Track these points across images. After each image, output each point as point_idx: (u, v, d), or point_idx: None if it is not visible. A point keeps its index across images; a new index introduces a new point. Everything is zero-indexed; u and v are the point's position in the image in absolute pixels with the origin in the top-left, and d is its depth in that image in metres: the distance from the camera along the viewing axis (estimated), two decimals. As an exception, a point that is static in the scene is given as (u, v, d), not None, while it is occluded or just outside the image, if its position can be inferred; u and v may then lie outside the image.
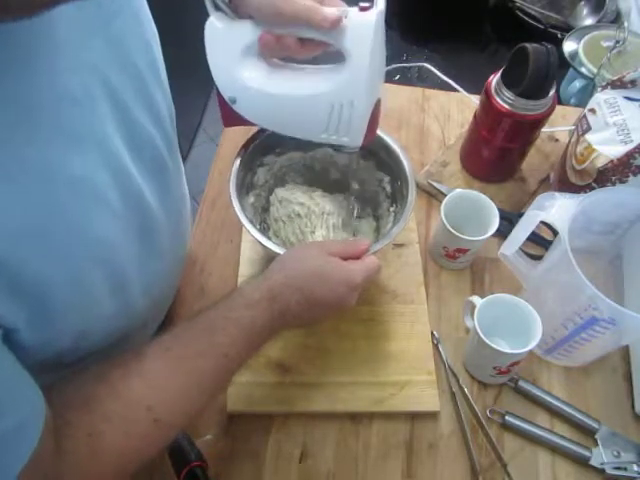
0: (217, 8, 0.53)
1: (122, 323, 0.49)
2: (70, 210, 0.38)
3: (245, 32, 0.54)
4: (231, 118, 0.60)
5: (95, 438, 0.41)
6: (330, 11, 0.50)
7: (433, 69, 1.02)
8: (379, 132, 0.70)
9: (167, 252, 0.55)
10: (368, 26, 0.51)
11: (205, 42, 0.54)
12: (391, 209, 0.74)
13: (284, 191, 0.74)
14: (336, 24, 0.50)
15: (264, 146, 0.70)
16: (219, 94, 0.58)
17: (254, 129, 0.69)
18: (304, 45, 0.54)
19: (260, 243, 0.62)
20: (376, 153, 0.73)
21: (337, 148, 0.62)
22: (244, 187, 0.67)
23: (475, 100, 0.94)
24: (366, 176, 0.76)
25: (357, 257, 0.57)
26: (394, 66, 1.09)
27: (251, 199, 0.70)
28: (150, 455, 0.45)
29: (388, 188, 0.74)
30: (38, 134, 0.36)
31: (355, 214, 0.78)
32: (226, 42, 0.55)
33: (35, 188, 0.35)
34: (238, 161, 0.67)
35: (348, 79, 0.54)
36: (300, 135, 0.62)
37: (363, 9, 0.51)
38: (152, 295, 0.54)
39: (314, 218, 0.73)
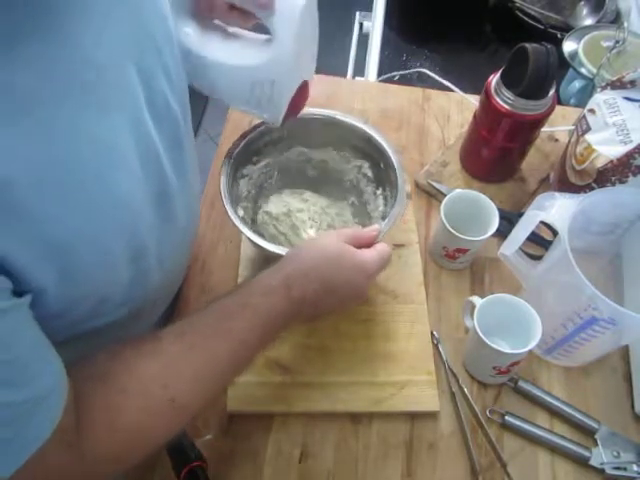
0: None
1: (137, 293, 0.49)
2: (93, 168, 0.39)
3: None
4: None
5: (112, 412, 0.41)
6: None
7: (431, 73, 1.02)
8: (350, 120, 0.71)
9: (180, 225, 0.55)
10: (296, 8, 0.50)
11: None
12: (377, 192, 0.75)
13: (268, 207, 0.76)
14: (266, 6, 0.50)
15: (243, 157, 0.70)
16: None
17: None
18: (234, 12, 0.54)
19: (265, 249, 0.62)
20: (350, 142, 0.74)
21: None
22: (233, 200, 0.67)
23: (474, 101, 0.94)
24: (344, 166, 0.77)
25: (369, 244, 0.58)
26: (394, 73, 1.11)
27: (241, 212, 0.70)
28: (166, 436, 0.46)
29: (369, 173, 0.75)
30: (59, 90, 0.36)
31: (340, 206, 0.79)
32: None
33: (55, 139, 0.36)
34: (224, 174, 0.67)
35: (271, 58, 0.54)
36: (225, 101, 0.62)
37: None
38: (165, 268, 0.54)
39: (302, 221, 0.75)
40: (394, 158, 0.69)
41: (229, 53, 0.57)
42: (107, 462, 0.42)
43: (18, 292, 0.35)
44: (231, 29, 0.59)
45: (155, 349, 0.46)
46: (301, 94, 0.59)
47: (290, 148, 0.76)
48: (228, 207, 0.64)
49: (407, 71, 1.10)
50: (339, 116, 0.72)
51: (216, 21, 0.58)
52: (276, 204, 0.78)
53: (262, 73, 0.55)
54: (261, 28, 0.56)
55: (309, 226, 0.77)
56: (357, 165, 0.76)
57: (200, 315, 0.49)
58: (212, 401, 0.49)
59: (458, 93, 0.98)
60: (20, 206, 0.33)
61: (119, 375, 0.43)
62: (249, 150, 0.71)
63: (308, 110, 0.68)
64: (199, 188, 0.64)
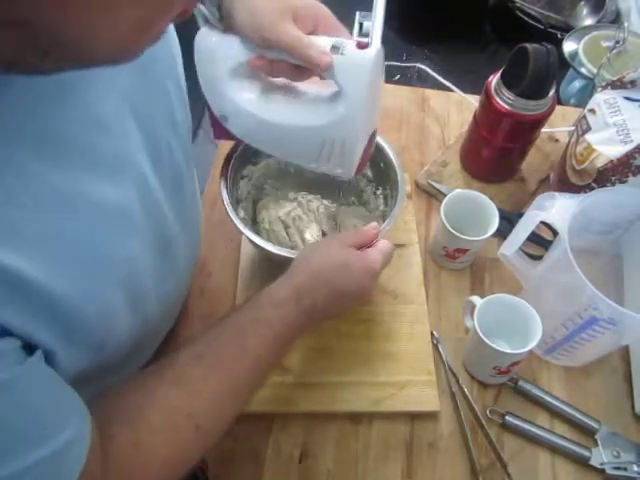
0: (207, 21, 0.52)
1: (138, 334, 0.49)
2: (99, 236, 0.39)
3: (234, 50, 0.52)
4: (222, 132, 0.59)
5: (140, 449, 0.41)
6: (319, 50, 0.47)
7: (429, 70, 1.02)
8: None
9: (181, 263, 0.55)
10: (365, 66, 0.48)
11: (195, 55, 0.53)
12: (378, 192, 0.75)
13: (269, 208, 0.76)
14: (324, 69, 0.48)
15: (242, 158, 0.70)
16: (209, 108, 0.57)
17: None
18: (298, 70, 0.52)
19: (267, 250, 0.62)
20: None
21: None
22: (233, 201, 0.67)
23: (473, 101, 0.94)
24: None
25: (370, 243, 0.58)
26: (392, 63, 1.09)
27: (241, 213, 0.70)
28: (192, 463, 0.46)
29: (369, 173, 0.75)
30: (70, 164, 0.36)
31: (339, 206, 0.79)
32: (216, 58, 0.53)
33: (67, 217, 0.36)
34: (224, 176, 0.66)
35: (342, 116, 0.51)
36: (291, 160, 0.61)
37: (360, 45, 0.48)
38: (166, 305, 0.54)
39: (302, 223, 0.76)
40: (394, 157, 0.69)
41: (294, 113, 0.54)
42: None
43: (28, 349, 0.35)
44: (293, 86, 0.56)
45: (176, 377, 0.45)
46: (370, 143, 0.58)
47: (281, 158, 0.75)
48: (229, 208, 0.64)
49: (406, 64, 1.09)
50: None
51: (269, 79, 0.56)
52: (276, 205, 0.78)
53: (333, 132, 0.53)
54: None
55: (309, 227, 0.77)
56: None
57: (214, 334, 0.49)
58: (234, 420, 0.48)
59: (458, 93, 0.98)
60: (26, 285, 0.33)
61: (144, 410, 0.42)
62: (249, 151, 0.71)
63: None
64: (199, 220, 0.64)
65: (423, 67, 1.04)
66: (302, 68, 0.51)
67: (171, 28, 0.49)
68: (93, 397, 0.40)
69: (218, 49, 0.52)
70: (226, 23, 0.52)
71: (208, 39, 0.52)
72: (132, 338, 0.48)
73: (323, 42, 0.49)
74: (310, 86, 0.56)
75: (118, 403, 0.43)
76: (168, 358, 0.47)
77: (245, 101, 0.54)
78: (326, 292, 0.53)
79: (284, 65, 0.52)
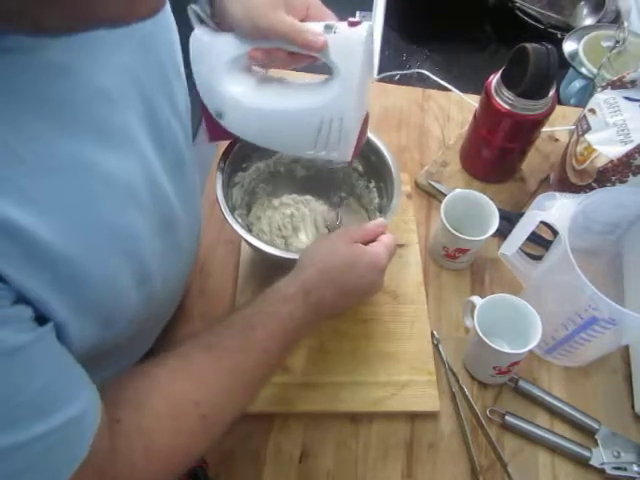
0: (201, 21, 0.53)
1: (143, 313, 0.49)
2: (103, 204, 0.39)
3: (229, 45, 0.53)
4: (217, 132, 0.59)
5: (146, 436, 0.41)
6: (313, 32, 0.49)
7: (430, 74, 1.02)
8: None
9: (184, 246, 0.55)
10: (358, 42, 0.50)
11: (190, 56, 0.54)
12: (370, 185, 0.74)
13: (261, 213, 0.77)
14: (320, 49, 0.49)
15: (233, 165, 0.70)
16: (204, 108, 0.58)
17: None
18: (293, 56, 0.53)
19: (265, 252, 0.62)
20: None
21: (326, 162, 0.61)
22: (230, 207, 0.67)
23: (471, 101, 0.94)
24: (333, 163, 0.77)
25: (375, 239, 0.59)
26: (395, 72, 1.10)
27: (238, 220, 0.70)
28: (198, 453, 0.46)
29: (360, 167, 0.75)
30: (72, 130, 0.37)
31: (333, 203, 0.79)
32: (211, 56, 0.54)
33: (72, 182, 0.36)
34: (219, 183, 0.66)
35: (337, 95, 0.53)
36: (288, 150, 0.61)
37: (352, 24, 0.50)
38: (170, 287, 0.54)
39: (296, 224, 0.76)
40: (384, 149, 0.69)
41: (290, 98, 0.56)
42: None
43: (40, 321, 0.35)
44: (284, 77, 0.58)
45: (184, 366, 0.46)
46: (363, 127, 0.59)
47: (277, 151, 0.75)
48: (226, 213, 0.64)
49: (407, 71, 1.09)
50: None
51: (263, 71, 0.57)
52: (269, 209, 0.78)
53: (330, 111, 0.54)
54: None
55: (304, 228, 0.77)
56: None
57: (223, 327, 0.50)
58: (241, 413, 0.49)
59: (458, 93, 0.98)
60: (38, 248, 0.34)
61: (151, 397, 0.43)
62: (238, 157, 0.71)
63: None
64: (200, 206, 0.64)
65: (423, 71, 1.05)
66: (296, 55, 0.53)
67: (170, 16, 0.50)
68: (101, 383, 0.40)
69: (213, 46, 0.53)
70: (219, 19, 0.53)
71: (202, 38, 0.53)
72: (138, 317, 0.49)
73: (315, 25, 0.51)
74: (303, 78, 0.58)
75: (124, 389, 0.43)
76: (175, 348, 0.47)
77: (241, 93, 0.55)
78: (334, 289, 0.54)
79: (280, 54, 0.53)
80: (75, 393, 0.36)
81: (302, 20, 0.51)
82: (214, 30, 0.53)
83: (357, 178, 0.76)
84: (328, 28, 0.50)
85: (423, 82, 1.09)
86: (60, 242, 0.35)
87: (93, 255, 0.38)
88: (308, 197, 0.79)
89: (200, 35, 0.53)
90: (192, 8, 0.52)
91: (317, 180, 0.79)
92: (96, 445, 0.36)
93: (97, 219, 0.39)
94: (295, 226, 0.77)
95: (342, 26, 0.50)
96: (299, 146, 0.59)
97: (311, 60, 0.54)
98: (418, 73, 1.12)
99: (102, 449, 0.38)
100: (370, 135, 0.70)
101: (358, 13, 1.52)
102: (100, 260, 0.39)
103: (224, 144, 0.68)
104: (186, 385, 0.45)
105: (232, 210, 0.70)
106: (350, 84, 0.52)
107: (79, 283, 0.37)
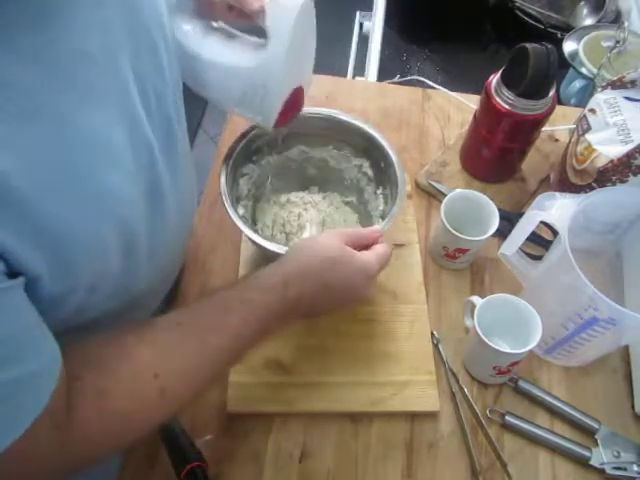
0: None
1: (126, 286, 0.49)
2: (83, 160, 0.39)
3: None
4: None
5: (103, 397, 0.42)
6: None
7: (428, 81, 1.03)
8: (351, 119, 0.71)
9: (172, 219, 0.55)
10: (292, 10, 0.50)
11: None
12: (378, 192, 0.75)
13: (269, 208, 0.77)
14: (254, 11, 0.50)
15: (243, 156, 0.71)
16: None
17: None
18: (233, 12, 0.54)
19: (265, 247, 0.62)
20: (351, 141, 0.74)
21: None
22: (233, 200, 0.67)
23: (473, 101, 0.94)
24: (344, 165, 0.77)
25: (370, 245, 0.58)
26: (395, 79, 1.11)
27: (241, 211, 0.70)
28: (153, 424, 0.46)
29: (370, 172, 0.75)
30: (52, 84, 0.36)
31: (338, 204, 0.80)
32: None
33: (50, 133, 0.36)
34: (224, 174, 0.67)
35: (263, 61, 0.53)
36: (215, 102, 0.62)
37: None
38: (156, 262, 0.54)
39: (302, 221, 0.76)
40: (394, 157, 0.69)
41: (225, 54, 0.56)
42: (92, 445, 0.42)
43: (11, 275, 0.35)
44: (232, 31, 0.58)
45: (151, 337, 0.46)
46: (295, 99, 0.59)
47: (290, 147, 0.76)
48: (228, 206, 0.64)
49: (405, 78, 1.10)
50: (340, 115, 0.72)
51: (217, 23, 0.58)
52: (277, 205, 0.78)
53: (254, 76, 0.55)
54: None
55: (310, 226, 0.77)
56: (357, 164, 0.76)
57: (198, 306, 0.50)
58: (202, 393, 0.49)
59: (458, 93, 0.98)
60: (13, 195, 0.33)
61: (113, 360, 0.43)
62: (249, 149, 0.71)
63: (308, 109, 0.69)
64: (193, 190, 0.64)
65: (420, 78, 1.05)
66: (237, 11, 0.54)
67: None
68: (68, 341, 0.40)
69: None
70: None
71: None
72: (123, 288, 0.49)
73: None
74: (246, 35, 0.58)
75: (90, 349, 0.43)
76: (148, 320, 0.47)
77: (183, 33, 0.56)
78: (314, 285, 0.54)
79: (219, 4, 0.54)
80: (36, 348, 0.37)
81: None
82: None
83: (367, 183, 0.77)
84: None
85: (423, 82, 1.09)
86: (35, 192, 0.34)
87: (72, 211, 0.38)
88: (316, 198, 0.80)
89: None
90: None
91: (327, 181, 0.79)
92: (53, 402, 0.37)
93: (76, 173, 0.38)
94: (301, 224, 0.77)
95: None
96: (225, 100, 0.60)
97: (248, 20, 0.54)
98: (419, 73, 1.12)
99: (59, 407, 0.38)
100: (381, 140, 0.70)
101: (358, 13, 1.52)
102: (81, 217, 0.39)
103: (225, 143, 0.68)
104: (149, 356, 0.45)
105: (236, 200, 0.70)
106: (277, 53, 0.52)
107: (59, 238, 0.37)
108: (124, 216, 0.44)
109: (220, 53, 0.56)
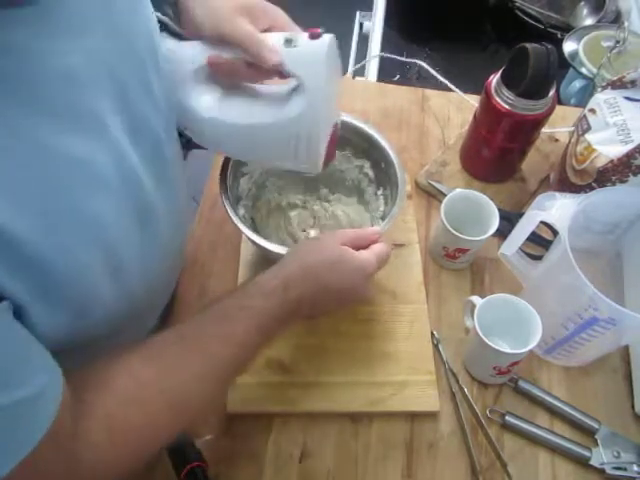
0: (165, 28, 0.52)
1: (120, 309, 0.49)
2: (66, 187, 0.38)
3: (195, 49, 0.52)
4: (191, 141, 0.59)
5: (112, 419, 0.41)
6: (270, 48, 0.48)
7: (430, 68, 1.02)
8: (351, 120, 0.71)
9: (165, 240, 0.55)
10: (320, 54, 0.49)
11: None
12: (378, 193, 0.75)
13: (270, 206, 0.77)
14: (274, 66, 0.49)
15: None
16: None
17: None
18: (256, 70, 0.53)
19: (266, 249, 0.62)
20: (351, 142, 0.74)
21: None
22: (233, 199, 0.67)
23: (473, 101, 0.94)
24: (345, 166, 0.77)
25: (368, 246, 0.58)
26: (393, 57, 1.09)
27: (241, 211, 0.70)
28: (165, 440, 0.46)
29: (370, 173, 0.75)
30: (31, 109, 0.35)
31: (339, 205, 0.80)
32: (175, 62, 0.52)
33: (31, 162, 0.35)
34: (224, 174, 0.66)
35: (303, 109, 0.52)
36: (256, 161, 0.61)
37: (313, 36, 0.49)
38: (150, 284, 0.54)
39: (303, 221, 0.76)
40: (394, 157, 0.69)
41: (256, 112, 0.55)
42: (105, 468, 0.41)
43: None
44: (252, 86, 0.57)
45: (154, 354, 0.46)
46: (333, 135, 0.58)
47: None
48: (228, 206, 0.64)
49: (406, 59, 1.08)
50: (341, 115, 0.72)
51: (228, 83, 0.56)
52: (277, 205, 0.78)
53: (296, 126, 0.53)
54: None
55: (309, 227, 0.77)
56: (358, 165, 0.76)
57: (200, 318, 0.50)
58: (211, 403, 0.49)
59: (458, 93, 0.98)
60: None
61: (118, 381, 0.43)
62: None
63: None
64: (187, 202, 0.63)
65: (423, 64, 1.03)
66: (259, 70, 0.52)
67: (149, 6, 0.49)
68: (71, 363, 0.40)
69: (176, 53, 0.52)
70: (184, 25, 0.52)
71: (167, 45, 0.52)
72: (116, 312, 0.48)
73: (276, 37, 0.50)
74: (269, 86, 0.56)
75: (93, 371, 0.43)
76: (151, 338, 0.47)
77: (205, 106, 0.54)
78: (314, 286, 0.54)
79: (243, 65, 0.53)
80: (32, 372, 0.36)
81: (265, 31, 0.51)
82: (178, 38, 0.52)
83: (368, 184, 0.77)
84: (288, 42, 0.49)
85: (423, 82, 1.09)
86: (14, 223, 0.34)
87: (53, 239, 0.37)
88: (317, 198, 0.80)
89: (164, 43, 0.52)
90: (155, 14, 0.51)
91: (329, 181, 0.79)
92: (57, 425, 0.36)
93: (56, 202, 0.37)
94: (301, 225, 0.77)
95: (302, 39, 0.49)
96: (266, 158, 0.59)
97: (274, 76, 0.53)
98: (419, 74, 1.12)
99: (64, 430, 0.37)
100: (382, 141, 0.70)
101: (358, 13, 1.52)
102: (62, 245, 0.38)
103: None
104: (154, 372, 0.45)
105: (237, 200, 0.70)
106: (315, 99, 0.51)
107: (40, 267, 0.37)
108: (110, 242, 0.43)
109: (254, 114, 0.54)
